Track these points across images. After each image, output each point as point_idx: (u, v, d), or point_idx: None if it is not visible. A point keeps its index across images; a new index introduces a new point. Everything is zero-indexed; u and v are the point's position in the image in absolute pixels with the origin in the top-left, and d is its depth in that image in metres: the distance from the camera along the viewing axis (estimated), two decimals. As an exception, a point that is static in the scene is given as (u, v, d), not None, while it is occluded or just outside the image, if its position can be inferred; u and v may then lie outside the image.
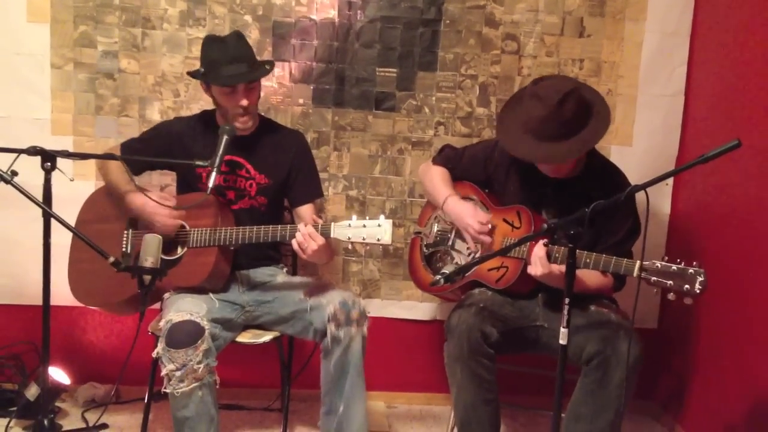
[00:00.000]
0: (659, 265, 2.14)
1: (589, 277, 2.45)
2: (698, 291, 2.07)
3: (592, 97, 2.47)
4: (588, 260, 2.32)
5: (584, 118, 2.41)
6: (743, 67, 2.78)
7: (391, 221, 2.36)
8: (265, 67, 2.67)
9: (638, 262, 2.18)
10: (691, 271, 2.09)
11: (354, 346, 2.50)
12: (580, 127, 2.40)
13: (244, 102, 2.57)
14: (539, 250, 2.34)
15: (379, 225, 2.36)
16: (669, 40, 3.15)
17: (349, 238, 2.38)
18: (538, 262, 2.33)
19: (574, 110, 2.37)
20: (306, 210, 2.78)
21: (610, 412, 2.35)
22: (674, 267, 2.11)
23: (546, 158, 2.47)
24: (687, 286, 2.08)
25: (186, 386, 2.34)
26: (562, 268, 2.31)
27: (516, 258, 2.52)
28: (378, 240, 2.35)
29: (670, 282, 2.10)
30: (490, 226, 2.58)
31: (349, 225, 2.38)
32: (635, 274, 2.19)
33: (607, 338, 2.37)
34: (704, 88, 3.08)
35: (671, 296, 2.12)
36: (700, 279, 2.07)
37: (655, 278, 2.13)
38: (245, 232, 2.51)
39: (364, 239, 2.36)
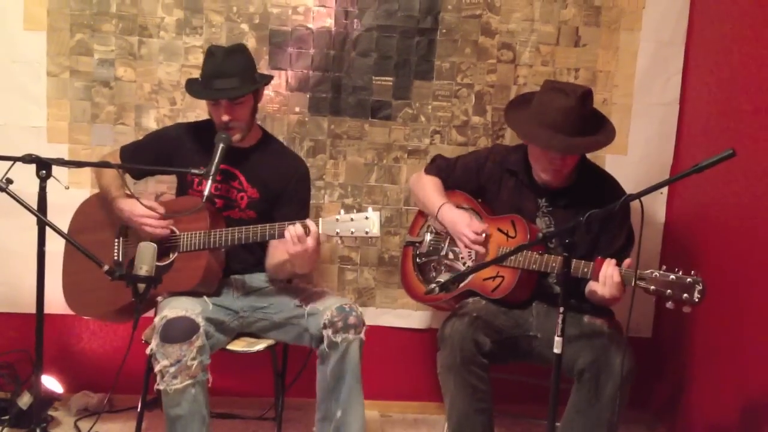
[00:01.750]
0: (657, 275, 2.14)
1: None
2: (697, 300, 2.08)
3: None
4: (586, 269, 2.32)
5: (601, 119, 2.51)
6: (738, 77, 2.79)
7: (378, 213, 2.32)
8: (255, 84, 2.63)
9: (635, 272, 2.18)
10: (689, 280, 2.09)
11: (351, 352, 2.48)
12: (598, 127, 2.47)
13: (225, 117, 2.56)
14: (615, 273, 2.24)
15: (366, 217, 2.32)
16: (664, 50, 3.16)
17: (337, 233, 2.35)
18: (614, 286, 2.24)
19: (593, 109, 2.47)
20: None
21: (601, 427, 2.35)
22: (672, 276, 2.11)
23: (566, 149, 2.45)
24: (686, 295, 2.09)
25: (179, 383, 2.33)
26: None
27: (512, 267, 2.51)
28: (366, 232, 2.32)
29: (669, 291, 2.11)
30: (485, 235, 2.58)
31: (337, 219, 2.35)
32: (633, 284, 2.19)
33: (598, 352, 2.36)
34: (699, 97, 3.09)
35: (670, 305, 2.12)
36: (698, 288, 2.08)
37: (653, 287, 2.14)
38: (235, 232, 2.50)
39: (352, 233, 2.33)
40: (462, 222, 2.61)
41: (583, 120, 2.42)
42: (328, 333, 2.46)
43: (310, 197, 2.83)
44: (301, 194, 2.77)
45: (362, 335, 2.50)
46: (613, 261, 2.26)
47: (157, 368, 2.35)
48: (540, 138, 2.45)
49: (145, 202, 2.53)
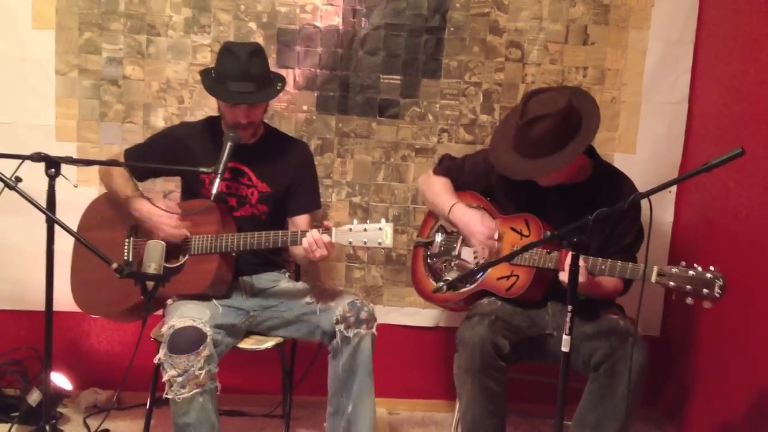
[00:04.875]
0: (677, 270, 2.14)
1: (607, 280, 2.43)
2: (718, 295, 2.08)
3: (586, 113, 2.44)
4: (603, 266, 2.32)
5: (556, 143, 2.39)
6: (747, 76, 2.78)
7: (392, 224, 2.36)
8: (274, 88, 2.65)
9: (656, 267, 2.18)
10: (709, 275, 2.09)
11: (363, 347, 2.50)
12: (549, 150, 2.39)
13: (244, 120, 2.58)
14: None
15: (380, 228, 2.35)
16: (673, 48, 3.15)
17: (350, 243, 2.39)
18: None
19: (543, 134, 2.38)
20: (302, 220, 2.78)
21: (615, 420, 2.35)
22: (692, 272, 2.12)
23: (506, 170, 2.51)
24: (706, 290, 2.08)
25: (187, 392, 2.34)
26: (599, 278, 2.34)
27: (526, 266, 2.51)
28: (379, 243, 2.35)
29: (689, 286, 2.11)
30: (497, 233, 2.58)
31: (350, 229, 2.38)
32: (654, 280, 2.19)
33: (615, 345, 2.37)
34: (708, 96, 3.07)
35: (689, 301, 2.12)
36: (719, 283, 2.08)
37: (673, 283, 2.14)
38: (247, 238, 2.51)
39: (365, 243, 2.37)
40: (474, 220, 2.62)
41: (530, 145, 2.40)
42: (340, 328, 2.49)
43: (317, 180, 2.89)
44: (308, 178, 2.81)
45: (374, 330, 2.53)
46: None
47: (165, 378, 2.36)
48: (496, 156, 2.54)
49: (161, 204, 2.56)
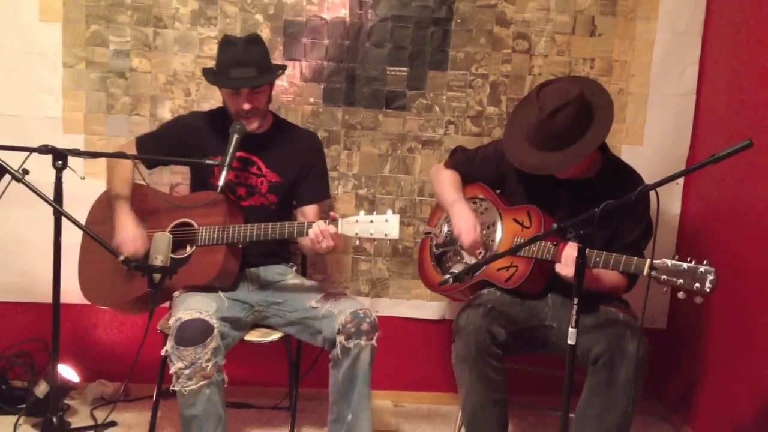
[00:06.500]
0: (669, 264, 2.12)
1: (607, 275, 2.42)
2: (708, 290, 2.05)
3: (598, 101, 2.43)
4: (598, 259, 2.30)
5: (579, 130, 2.38)
6: (755, 67, 2.76)
7: (398, 216, 2.35)
8: (275, 73, 2.67)
9: (648, 261, 2.17)
10: (701, 269, 2.07)
11: (363, 358, 2.49)
12: (572, 140, 2.37)
13: (246, 106, 2.58)
14: (571, 250, 2.25)
15: (386, 220, 2.35)
16: (680, 40, 3.14)
17: (356, 234, 2.38)
18: (571, 263, 2.23)
19: (568, 122, 2.35)
20: (311, 210, 2.79)
21: (617, 412, 2.34)
22: (684, 265, 2.09)
23: (534, 168, 2.46)
24: (697, 284, 2.06)
25: (194, 384, 2.35)
26: (593, 270, 2.32)
27: (526, 257, 2.51)
28: (386, 235, 2.35)
29: (680, 281, 2.09)
30: (480, 250, 2.60)
31: (357, 221, 2.38)
32: (645, 273, 2.18)
33: (613, 338, 2.36)
34: (716, 87, 3.06)
35: (681, 295, 2.10)
36: (710, 278, 2.05)
37: (665, 277, 2.12)
38: (254, 229, 2.51)
39: (371, 234, 2.36)
40: (465, 226, 2.60)
41: (553, 137, 2.37)
42: (341, 339, 2.48)
43: (326, 170, 2.88)
44: (316, 168, 2.81)
45: (374, 341, 2.52)
46: (576, 243, 2.20)
47: (172, 370, 2.37)
48: (515, 154, 2.49)
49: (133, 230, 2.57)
